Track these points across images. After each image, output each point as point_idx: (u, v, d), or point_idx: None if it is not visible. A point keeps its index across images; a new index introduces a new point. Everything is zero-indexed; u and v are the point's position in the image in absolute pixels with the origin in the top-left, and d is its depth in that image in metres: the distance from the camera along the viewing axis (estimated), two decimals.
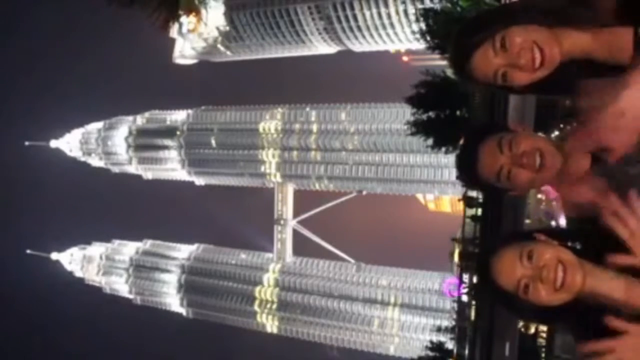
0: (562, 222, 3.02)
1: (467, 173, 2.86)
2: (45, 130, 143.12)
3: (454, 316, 50.96)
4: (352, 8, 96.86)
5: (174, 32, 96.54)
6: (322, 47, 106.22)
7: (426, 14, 42.05)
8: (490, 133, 2.81)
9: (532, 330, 28.60)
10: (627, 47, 2.67)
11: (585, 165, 2.81)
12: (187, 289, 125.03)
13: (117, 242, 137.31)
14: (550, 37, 2.59)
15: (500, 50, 2.58)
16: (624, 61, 2.68)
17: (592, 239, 2.73)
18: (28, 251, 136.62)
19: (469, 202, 38.86)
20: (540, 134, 2.95)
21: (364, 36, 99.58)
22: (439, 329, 56.79)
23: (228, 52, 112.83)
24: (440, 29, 37.14)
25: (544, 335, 27.76)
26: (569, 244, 2.67)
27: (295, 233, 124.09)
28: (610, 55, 2.69)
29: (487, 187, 2.84)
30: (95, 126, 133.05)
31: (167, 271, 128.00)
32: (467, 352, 37.69)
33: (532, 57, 2.58)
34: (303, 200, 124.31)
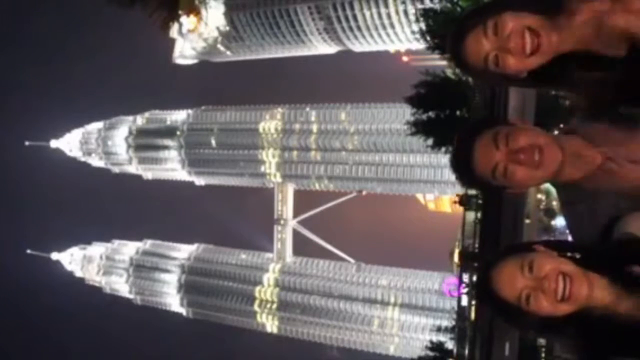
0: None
1: (462, 170, 2.73)
2: (45, 130, 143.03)
3: (454, 316, 50.98)
4: (352, 8, 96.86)
5: (174, 32, 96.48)
6: (322, 47, 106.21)
7: (426, 14, 42.06)
8: (487, 127, 2.68)
9: None
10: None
11: (597, 160, 2.72)
12: (187, 289, 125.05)
13: (117, 242, 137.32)
14: (546, 23, 2.55)
15: (491, 35, 2.55)
16: (622, 52, 2.64)
17: (596, 251, 2.68)
18: (28, 251, 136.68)
19: (466, 203, 38.88)
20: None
21: (364, 36, 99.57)
22: (439, 329, 56.76)
23: (228, 52, 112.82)
24: (440, 29, 37.14)
25: None
26: (569, 254, 2.62)
27: (295, 233, 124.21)
28: (609, 46, 2.64)
29: (484, 185, 2.72)
30: (95, 126, 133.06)
31: (167, 271, 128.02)
32: (467, 352, 37.69)
33: (522, 42, 2.53)
34: (303, 200, 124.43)
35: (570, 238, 2.97)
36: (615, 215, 2.77)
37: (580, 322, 2.54)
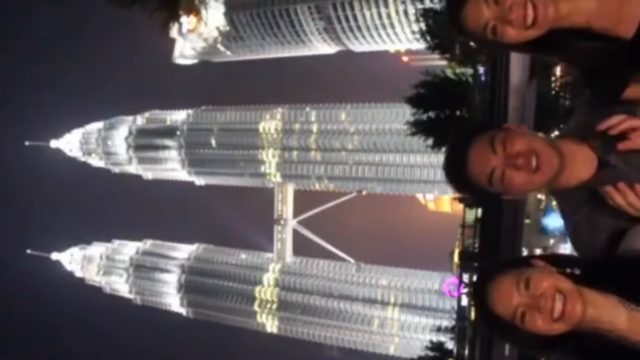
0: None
1: (456, 176, 2.63)
2: (45, 130, 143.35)
3: (454, 316, 50.97)
4: (352, 8, 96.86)
5: (174, 32, 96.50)
6: (322, 47, 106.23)
7: (426, 14, 42.13)
8: (481, 131, 2.59)
9: None
10: (634, 17, 2.54)
11: (591, 170, 2.64)
12: (187, 289, 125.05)
13: (117, 242, 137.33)
14: None
15: (492, 3, 2.48)
16: (626, 33, 2.56)
17: (598, 266, 2.61)
18: (28, 251, 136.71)
19: (466, 203, 38.87)
20: (540, 134, 2.79)
21: (364, 36, 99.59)
22: (439, 329, 56.77)
23: (228, 52, 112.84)
24: (440, 29, 37.16)
25: None
26: (569, 270, 2.54)
27: (295, 233, 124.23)
28: (614, 25, 2.55)
29: (479, 192, 2.63)
30: (95, 126, 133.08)
31: (167, 271, 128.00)
32: (467, 352, 37.67)
33: (523, 14, 2.46)
34: (303, 200, 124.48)
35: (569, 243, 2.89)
36: (615, 225, 2.68)
37: (578, 340, 2.47)
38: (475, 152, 2.54)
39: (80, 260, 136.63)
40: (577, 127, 2.82)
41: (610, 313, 2.44)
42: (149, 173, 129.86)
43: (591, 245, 2.74)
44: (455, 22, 2.59)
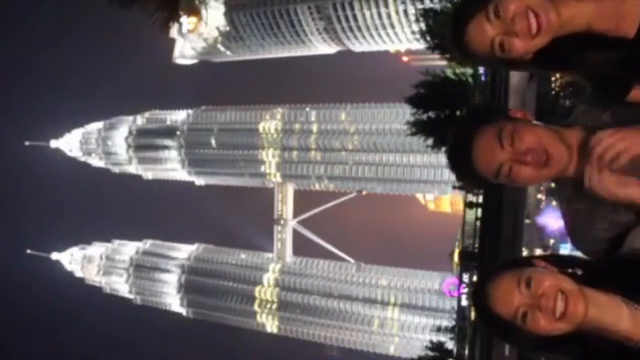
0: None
1: (462, 167, 2.62)
2: (45, 130, 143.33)
3: (454, 316, 51.01)
4: (352, 8, 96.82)
5: (174, 32, 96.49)
6: (322, 47, 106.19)
7: (426, 14, 42.20)
8: (488, 121, 2.56)
9: None
10: (634, 16, 2.52)
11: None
12: (187, 289, 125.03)
13: (117, 242, 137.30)
14: (545, 2, 2.47)
15: (494, 19, 2.47)
16: (628, 33, 2.54)
17: (601, 267, 2.59)
18: (28, 251, 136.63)
19: (467, 202, 38.91)
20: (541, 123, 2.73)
21: (364, 36, 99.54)
22: (439, 329, 56.81)
23: (228, 52, 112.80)
24: (440, 29, 37.19)
25: None
26: (570, 270, 2.50)
27: (295, 233, 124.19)
28: (616, 26, 2.53)
29: (483, 181, 2.62)
30: (95, 126, 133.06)
31: (167, 271, 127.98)
32: (467, 352, 37.69)
33: (527, 23, 2.44)
34: (303, 200, 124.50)
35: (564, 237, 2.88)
36: (614, 217, 2.67)
37: (581, 340, 2.44)
38: (482, 146, 2.53)
39: (80, 260, 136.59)
40: (581, 118, 2.79)
41: (613, 313, 2.41)
42: (149, 173, 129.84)
43: (589, 234, 2.73)
44: (459, 45, 2.57)
